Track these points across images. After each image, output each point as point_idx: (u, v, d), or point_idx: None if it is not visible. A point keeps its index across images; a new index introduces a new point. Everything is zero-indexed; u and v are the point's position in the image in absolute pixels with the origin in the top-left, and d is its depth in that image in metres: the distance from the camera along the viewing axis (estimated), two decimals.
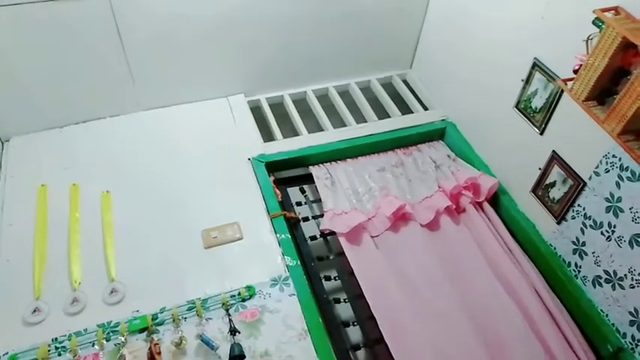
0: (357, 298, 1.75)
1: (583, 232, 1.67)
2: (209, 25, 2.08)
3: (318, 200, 2.02)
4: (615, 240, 1.55)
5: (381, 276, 1.76)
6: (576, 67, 1.48)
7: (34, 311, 1.54)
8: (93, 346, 1.48)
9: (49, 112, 2.08)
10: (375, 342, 1.66)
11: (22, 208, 1.81)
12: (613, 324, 1.61)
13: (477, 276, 1.81)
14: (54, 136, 2.09)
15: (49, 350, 1.46)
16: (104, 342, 1.49)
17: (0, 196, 1.86)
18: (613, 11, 1.36)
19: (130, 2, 1.89)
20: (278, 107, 2.43)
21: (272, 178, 2.03)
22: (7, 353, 1.45)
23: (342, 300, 1.77)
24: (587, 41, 1.45)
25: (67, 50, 1.94)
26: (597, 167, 1.57)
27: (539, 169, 1.81)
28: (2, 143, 2.06)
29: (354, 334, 1.75)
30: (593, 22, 1.39)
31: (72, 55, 1.96)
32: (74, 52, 1.95)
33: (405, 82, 2.62)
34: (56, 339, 1.49)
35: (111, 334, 1.51)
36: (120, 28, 1.94)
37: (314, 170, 2.10)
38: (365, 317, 1.71)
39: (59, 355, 1.46)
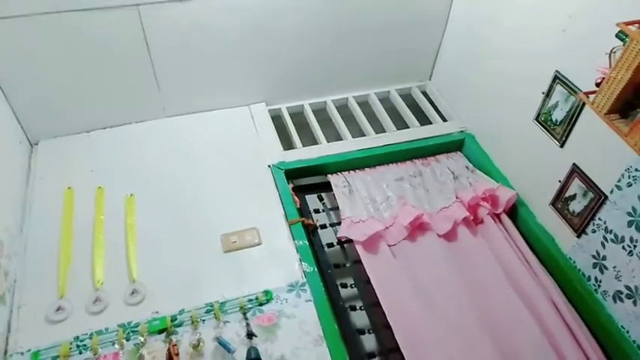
0: (373, 306, 1.75)
1: (604, 246, 1.65)
2: (233, 35, 2.13)
3: (336, 208, 2.03)
4: (637, 255, 1.52)
5: (397, 285, 1.76)
6: (598, 80, 1.47)
7: (58, 309, 1.58)
8: (113, 345, 1.51)
9: (77, 117, 2.14)
10: (390, 350, 1.65)
11: (49, 209, 1.87)
12: (634, 341, 1.58)
13: (494, 288, 1.79)
14: (81, 140, 2.15)
15: (70, 348, 1.49)
16: (124, 341, 1.51)
17: (28, 197, 1.92)
18: (637, 24, 1.36)
19: (157, 12, 1.95)
20: (298, 116, 2.46)
21: (291, 186, 2.05)
22: (30, 350, 1.49)
23: (358, 307, 1.77)
24: (610, 54, 1.44)
25: (95, 58, 2.00)
26: (619, 181, 1.55)
27: (559, 181, 1.80)
28: (31, 146, 2.13)
29: (370, 342, 1.75)
30: (617, 36, 1.39)
31: (100, 62, 2.02)
32: (102, 59, 2.01)
33: (424, 93, 2.63)
34: (78, 337, 1.52)
35: (131, 334, 1.54)
36: (147, 36, 2.00)
37: (332, 178, 2.12)
38: (380, 325, 1.71)
39: (80, 353, 1.49)
